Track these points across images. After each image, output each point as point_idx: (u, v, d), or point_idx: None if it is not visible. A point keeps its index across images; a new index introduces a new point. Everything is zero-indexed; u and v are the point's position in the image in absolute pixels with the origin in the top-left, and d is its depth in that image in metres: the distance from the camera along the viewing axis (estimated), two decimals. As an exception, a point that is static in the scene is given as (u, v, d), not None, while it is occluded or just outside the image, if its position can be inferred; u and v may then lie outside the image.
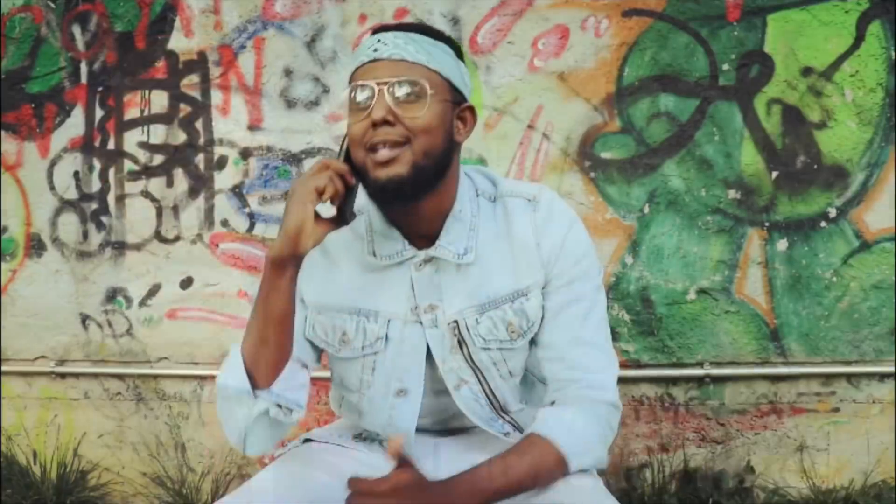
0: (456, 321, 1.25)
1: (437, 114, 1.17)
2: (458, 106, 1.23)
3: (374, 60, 1.16)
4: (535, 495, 1.15)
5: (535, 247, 1.25)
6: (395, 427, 1.28)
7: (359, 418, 1.36)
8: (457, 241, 1.24)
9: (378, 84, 1.14)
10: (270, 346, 1.17)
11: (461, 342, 1.25)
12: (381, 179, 1.14)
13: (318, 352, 1.33)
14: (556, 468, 1.15)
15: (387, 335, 1.26)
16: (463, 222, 1.25)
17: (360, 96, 1.16)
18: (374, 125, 1.14)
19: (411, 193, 1.16)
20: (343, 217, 1.19)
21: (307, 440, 1.39)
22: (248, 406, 1.16)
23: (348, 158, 1.20)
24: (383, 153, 1.14)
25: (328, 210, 1.18)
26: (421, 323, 1.25)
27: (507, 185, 1.32)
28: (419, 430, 1.37)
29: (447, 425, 1.39)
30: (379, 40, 1.18)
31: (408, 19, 2.34)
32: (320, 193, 1.14)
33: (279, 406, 1.17)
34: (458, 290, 1.25)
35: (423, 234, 1.24)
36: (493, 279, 1.25)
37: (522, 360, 1.31)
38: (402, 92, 1.14)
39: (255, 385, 1.16)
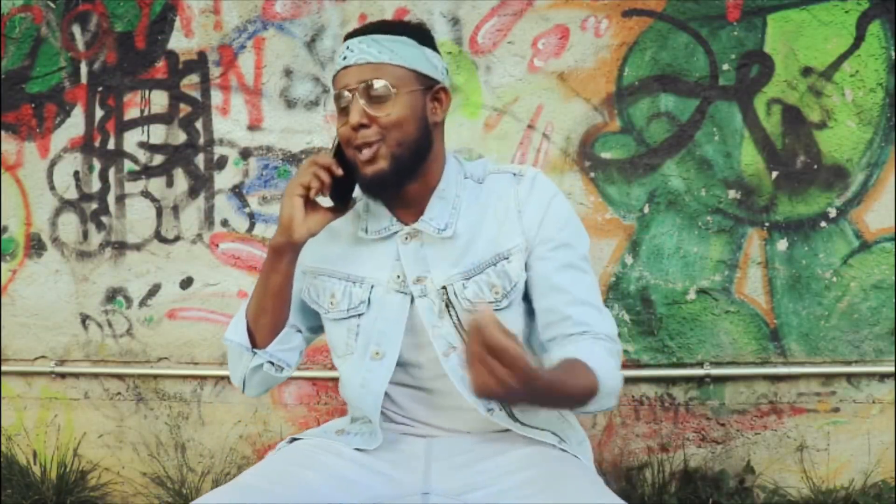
0: (444, 287, 1.33)
1: (405, 105, 1.28)
2: (429, 90, 1.33)
3: (345, 67, 1.30)
4: (544, 475, 1.21)
5: (517, 214, 1.34)
6: (367, 389, 1.35)
7: (343, 389, 1.43)
8: (438, 216, 1.34)
9: (349, 90, 1.28)
10: (268, 314, 1.34)
11: (448, 306, 1.32)
12: (367, 176, 1.29)
13: (312, 319, 1.45)
14: (590, 395, 1.18)
15: (369, 299, 1.36)
16: (446, 200, 1.36)
17: (341, 102, 1.31)
18: (354, 129, 1.27)
19: (395, 182, 1.30)
20: (344, 205, 1.34)
21: (294, 439, 1.41)
22: (246, 359, 1.35)
23: (340, 153, 1.33)
24: (365, 153, 1.28)
25: (325, 200, 1.34)
26: (403, 293, 1.34)
27: (495, 166, 1.44)
28: (408, 433, 1.38)
29: (435, 410, 1.39)
30: (347, 47, 1.31)
31: (408, 19, 2.34)
32: (307, 188, 1.28)
33: (271, 363, 1.35)
34: (444, 261, 1.34)
35: (410, 211, 1.36)
36: (476, 247, 1.34)
37: (512, 326, 1.30)
38: (370, 94, 1.27)
39: (254, 343, 1.34)
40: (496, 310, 1.32)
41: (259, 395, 1.52)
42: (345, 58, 1.30)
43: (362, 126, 1.26)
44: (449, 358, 1.31)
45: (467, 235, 1.34)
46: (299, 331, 1.42)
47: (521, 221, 1.33)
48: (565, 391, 1.12)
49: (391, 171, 1.28)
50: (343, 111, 1.30)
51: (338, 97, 1.31)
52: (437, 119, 1.35)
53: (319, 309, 1.40)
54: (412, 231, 1.35)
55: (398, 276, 1.35)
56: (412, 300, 1.34)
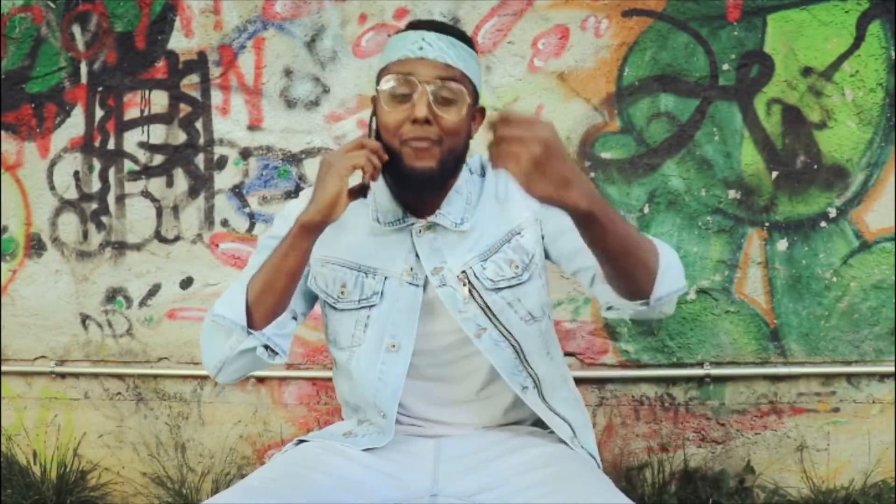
0: (464, 271, 1.34)
1: (465, 117, 1.29)
2: (474, 106, 1.34)
3: (421, 58, 1.26)
4: (554, 475, 1.20)
5: (517, 190, 1.32)
6: (385, 382, 1.34)
7: (350, 383, 1.40)
8: (455, 211, 1.36)
9: (422, 82, 1.24)
10: (275, 295, 1.27)
11: (472, 290, 1.33)
12: (415, 169, 1.26)
13: (310, 305, 1.44)
14: (654, 265, 1.20)
15: (382, 291, 1.35)
16: (461, 195, 1.37)
17: (402, 89, 1.26)
18: (415, 121, 1.24)
19: (437, 184, 1.31)
20: (364, 190, 1.30)
21: (301, 441, 1.40)
22: (237, 339, 1.26)
23: (377, 137, 1.30)
24: (419, 145, 1.25)
25: (353, 183, 1.29)
26: (415, 285, 1.34)
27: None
28: (416, 434, 1.38)
29: (448, 405, 1.40)
30: (423, 38, 1.28)
31: (408, 19, 2.34)
32: (356, 169, 1.23)
33: (266, 347, 1.27)
34: (459, 250, 1.35)
35: (423, 205, 1.36)
36: (487, 232, 1.36)
37: (538, 300, 1.38)
38: (442, 94, 1.25)
39: (250, 323, 1.26)
40: (518, 284, 1.34)
41: (227, 383, 1.48)
42: (421, 48, 1.26)
43: (426, 121, 1.24)
44: (481, 339, 1.33)
45: (479, 226, 1.37)
46: (294, 318, 1.37)
47: (524, 196, 1.33)
48: (620, 219, 1.15)
49: (438, 173, 1.28)
50: (399, 98, 1.26)
51: (399, 83, 1.26)
52: (471, 136, 1.37)
53: (328, 298, 1.39)
54: (428, 224, 1.35)
55: (411, 269, 1.35)
56: (424, 290, 1.34)
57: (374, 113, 1.32)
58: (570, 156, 1.09)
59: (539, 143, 1.03)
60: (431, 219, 1.35)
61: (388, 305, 1.35)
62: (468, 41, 1.34)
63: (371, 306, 1.36)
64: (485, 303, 1.33)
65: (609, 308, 1.30)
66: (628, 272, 1.19)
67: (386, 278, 1.36)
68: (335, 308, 1.39)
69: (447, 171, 1.31)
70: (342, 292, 1.37)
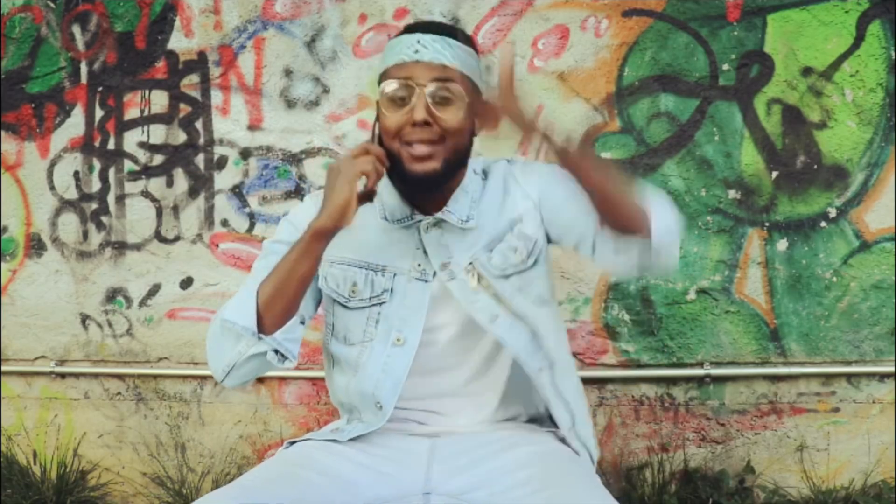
0: (471, 262, 1.37)
1: (465, 115, 1.30)
2: (476, 103, 1.35)
3: (417, 61, 1.28)
4: (543, 474, 1.21)
5: (515, 182, 1.43)
6: (388, 374, 1.36)
7: (352, 379, 1.40)
8: (461, 209, 1.38)
9: (419, 85, 1.27)
10: (286, 300, 1.27)
11: (480, 278, 1.37)
12: (417, 172, 1.29)
13: (316, 308, 1.45)
14: (643, 215, 1.26)
15: (392, 288, 1.38)
16: (468, 193, 1.40)
17: (400, 92, 1.29)
18: (414, 124, 1.26)
19: (441, 183, 1.33)
20: (370, 194, 1.32)
21: (292, 443, 1.41)
22: (247, 344, 1.26)
23: (379, 143, 1.33)
24: (420, 149, 1.28)
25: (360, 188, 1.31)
26: (423, 280, 1.37)
27: (491, 160, 1.49)
28: (412, 433, 1.38)
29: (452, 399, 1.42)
30: (419, 41, 1.30)
31: (408, 19, 2.34)
32: (363, 176, 1.26)
33: (276, 352, 1.27)
34: (465, 245, 1.38)
35: (431, 202, 1.38)
36: (489, 225, 1.40)
37: (545, 283, 1.43)
38: (440, 96, 1.27)
39: (260, 328, 1.25)
40: (525, 269, 1.38)
41: (235, 388, 1.51)
42: (416, 51, 1.29)
43: (425, 123, 1.26)
44: (495, 324, 1.36)
45: (482, 222, 1.39)
46: (302, 322, 1.36)
47: (522, 187, 1.41)
48: (609, 166, 1.25)
49: (441, 174, 1.30)
50: (399, 102, 1.29)
51: (397, 87, 1.29)
52: (476, 131, 1.38)
53: (339, 297, 1.40)
54: (435, 220, 1.37)
55: (419, 265, 1.38)
56: (431, 286, 1.37)
57: (378, 118, 1.34)
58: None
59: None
60: (438, 215, 1.37)
61: (399, 301, 1.37)
62: (466, 39, 1.36)
63: (382, 303, 1.38)
64: (495, 290, 1.37)
65: (616, 264, 1.35)
66: (617, 202, 1.27)
67: (395, 275, 1.38)
68: (346, 307, 1.40)
69: (451, 170, 1.33)
70: (353, 291, 1.39)
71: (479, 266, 1.37)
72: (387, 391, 1.35)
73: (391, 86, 1.29)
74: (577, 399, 1.44)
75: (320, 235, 1.26)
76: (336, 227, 1.25)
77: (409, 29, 1.35)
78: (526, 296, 1.39)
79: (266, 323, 1.26)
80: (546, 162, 1.38)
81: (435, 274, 1.37)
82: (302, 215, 1.36)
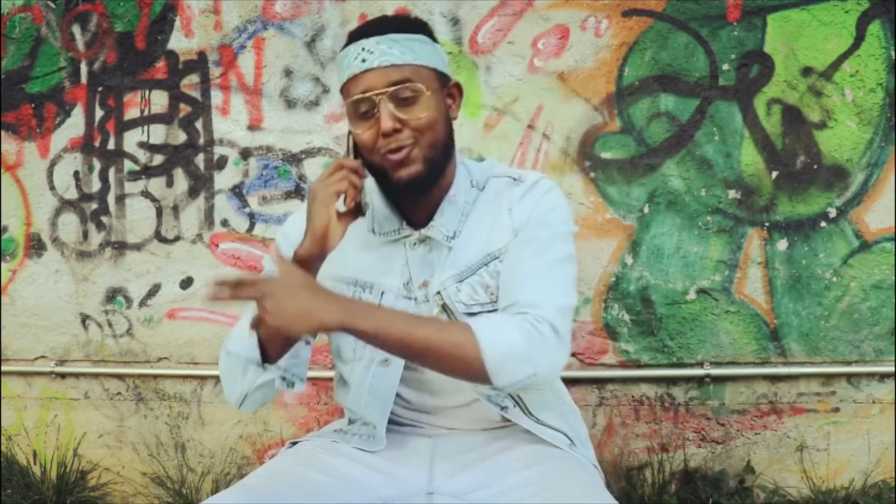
0: (439, 292, 1.31)
1: (434, 106, 1.25)
2: (444, 87, 1.30)
3: (366, 71, 1.23)
4: (545, 474, 1.19)
5: (508, 213, 1.32)
6: (374, 395, 1.34)
7: (347, 392, 1.40)
8: (448, 223, 1.32)
9: (377, 95, 1.22)
10: None
11: (447, 311, 1.30)
12: (402, 179, 1.25)
13: None
14: (472, 361, 1.14)
15: (380, 305, 1.33)
16: (456, 206, 1.33)
17: (362, 107, 1.24)
18: (385, 134, 1.22)
19: (430, 184, 1.28)
20: (359, 209, 1.28)
21: (294, 444, 1.41)
22: (253, 375, 1.26)
23: (356, 154, 1.29)
24: (397, 156, 1.23)
25: (343, 206, 1.28)
26: (413, 299, 1.33)
27: (497, 169, 1.40)
28: (413, 433, 1.38)
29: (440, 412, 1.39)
30: (363, 48, 1.24)
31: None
32: (340, 194, 1.23)
33: (283, 378, 1.27)
34: (447, 266, 1.32)
35: (420, 213, 1.33)
36: (469, 250, 1.32)
37: None
38: (401, 97, 1.22)
39: (264, 357, 1.25)
40: (492, 309, 1.29)
41: (253, 412, 1.45)
42: (364, 60, 1.23)
43: (395, 131, 1.22)
44: None
45: (466, 240, 1.33)
46: (308, 342, 1.35)
47: (512, 220, 1.31)
48: (410, 326, 1.13)
49: (427, 174, 1.25)
50: (364, 116, 1.24)
51: (358, 102, 1.24)
52: (454, 116, 1.33)
53: None
54: (421, 236, 1.33)
55: (406, 283, 1.34)
56: (418, 304, 1.33)
57: (350, 132, 1.30)
58: (309, 283, 1.15)
59: (264, 297, 1.08)
60: (425, 232, 1.33)
61: None
62: (415, 27, 1.29)
63: None
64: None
65: None
66: (432, 368, 1.18)
67: (383, 293, 1.35)
68: None
69: (437, 168, 1.28)
70: None
71: (446, 297, 1.30)
72: (376, 413, 1.35)
73: (352, 102, 1.25)
74: (567, 425, 1.38)
75: (307, 264, 1.23)
76: (321, 252, 1.24)
77: (352, 37, 1.29)
78: None
79: (270, 352, 1.25)
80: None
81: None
82: (289, 231, 1.37)
